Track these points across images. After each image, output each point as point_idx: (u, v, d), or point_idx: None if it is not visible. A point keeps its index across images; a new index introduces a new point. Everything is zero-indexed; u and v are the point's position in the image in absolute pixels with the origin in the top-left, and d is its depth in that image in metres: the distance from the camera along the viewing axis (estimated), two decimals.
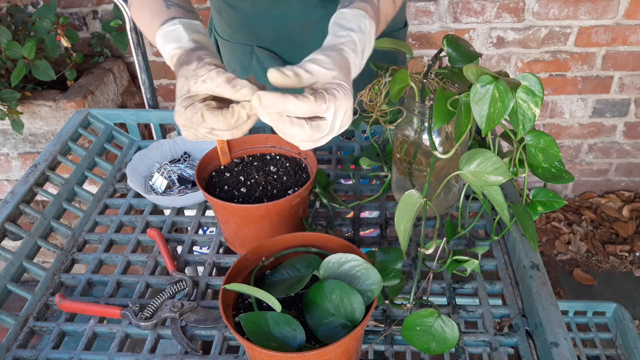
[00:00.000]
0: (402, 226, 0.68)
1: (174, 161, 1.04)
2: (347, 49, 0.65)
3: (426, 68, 0.78)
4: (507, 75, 0.67)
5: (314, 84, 0.60)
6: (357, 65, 0.67)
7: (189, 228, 0.93)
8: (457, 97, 0.68)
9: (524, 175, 0.69)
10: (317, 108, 0.57)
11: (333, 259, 0.66)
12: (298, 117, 0.58)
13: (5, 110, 1.64)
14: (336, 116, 0.59)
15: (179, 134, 1.15)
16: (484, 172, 0.64)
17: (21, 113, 1.68)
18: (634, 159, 2.30)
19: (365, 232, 0.94)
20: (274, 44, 1.06)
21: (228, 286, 0.64)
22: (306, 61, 0.61)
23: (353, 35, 0.67)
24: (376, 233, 0.92)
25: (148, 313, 0.76)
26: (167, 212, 0.98)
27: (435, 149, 0.71)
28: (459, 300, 0.79)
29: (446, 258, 0.77)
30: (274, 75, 0.58)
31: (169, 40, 0.71)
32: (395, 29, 1.14)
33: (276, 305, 0.62)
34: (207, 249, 0.90)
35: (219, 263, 0.87)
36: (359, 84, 0.92)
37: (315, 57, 0.62)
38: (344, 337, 0.59)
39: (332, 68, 0.61)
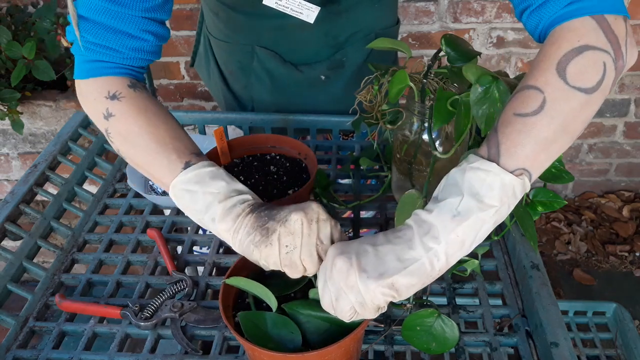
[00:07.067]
0: None
1: None
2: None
3: (426, 68, 0.78)
4: (507, 75, 0.67)
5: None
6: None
7: (189, 228, 0.93)
8: (457, 97, 0.68)
9: None
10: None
11: None
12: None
13: (5, 110, 1.64)
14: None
15: None
16: None
17: (21, 113, 1.68)
18: (634, 159, 2.30)
19: (363, 231, 0.94)
20: (275, 43, 1.06)
21: (228, 280, 0.64)
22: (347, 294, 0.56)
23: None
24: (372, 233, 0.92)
25: (148, 313, 0.76)
26: (167, 212, 0.98)
27: (435, 149, 0.71)
28: (459, 300, 0.79)
29: None
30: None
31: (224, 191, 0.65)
32: (389, 25, 1.14)
33: (272, 301, 0.62)
34: (207, 249, 0.90)
35: (219, 263, 0.87)
36: (359, 84, 0.92)
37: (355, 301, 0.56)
38: (344, 337, 0.59)
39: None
